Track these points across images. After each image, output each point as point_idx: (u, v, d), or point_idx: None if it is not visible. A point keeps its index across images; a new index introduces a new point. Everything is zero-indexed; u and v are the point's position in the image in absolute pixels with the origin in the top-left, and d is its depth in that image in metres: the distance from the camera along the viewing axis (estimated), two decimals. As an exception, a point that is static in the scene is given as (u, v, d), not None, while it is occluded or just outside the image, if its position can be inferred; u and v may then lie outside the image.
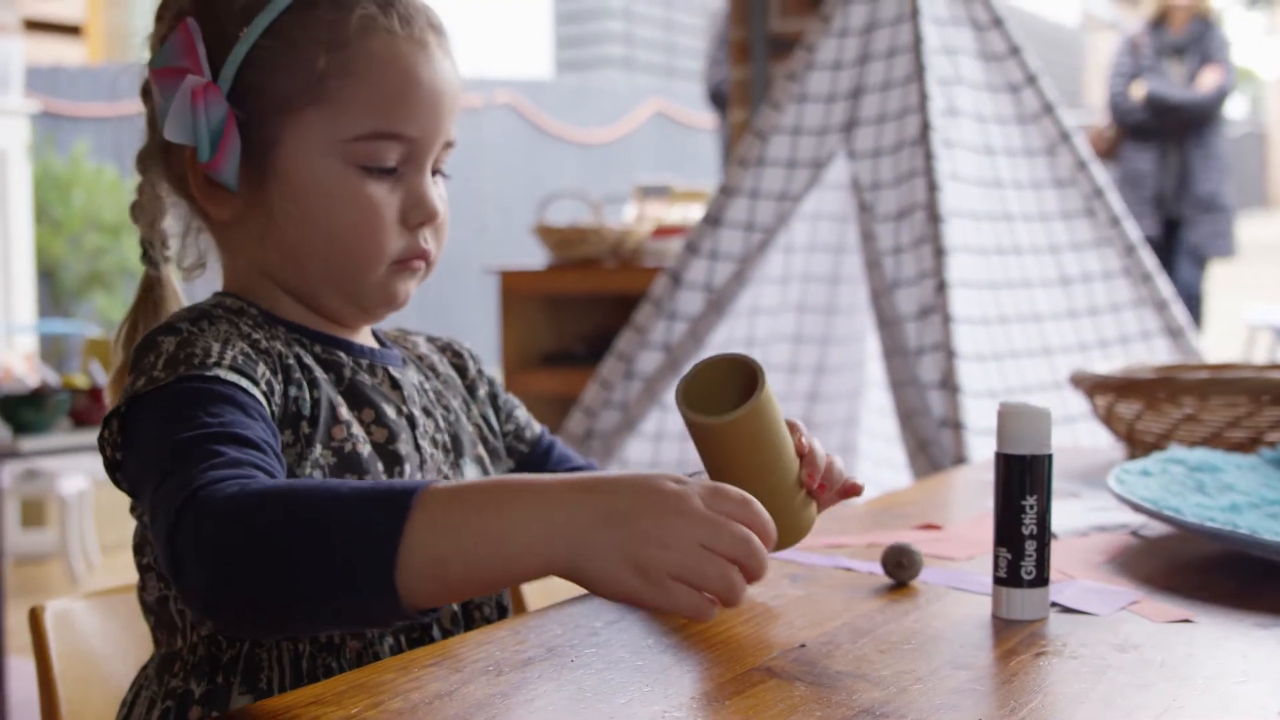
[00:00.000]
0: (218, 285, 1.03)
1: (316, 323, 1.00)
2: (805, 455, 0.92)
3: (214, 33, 0.95)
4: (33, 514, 4.56)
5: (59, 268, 7.06)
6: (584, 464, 1.15)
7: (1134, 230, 2.59)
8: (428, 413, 1.03)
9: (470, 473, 1.04)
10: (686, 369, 0.91)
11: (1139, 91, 5.45)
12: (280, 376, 0.92)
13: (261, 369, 0.90)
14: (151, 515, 0.79)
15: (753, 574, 0.73)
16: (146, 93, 1.00)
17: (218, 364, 0.87)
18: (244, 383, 0.87)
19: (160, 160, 0.99)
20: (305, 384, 0.93)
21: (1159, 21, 5.56)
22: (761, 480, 0.88)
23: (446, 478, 1.00)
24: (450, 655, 0.82)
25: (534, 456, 1.13)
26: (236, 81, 0.94)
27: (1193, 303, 5.58)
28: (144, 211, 1.01)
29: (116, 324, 1.04)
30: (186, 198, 1.00)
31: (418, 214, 0.97)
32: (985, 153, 2.50)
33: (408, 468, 0.97)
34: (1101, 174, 2.57)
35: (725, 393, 0.89)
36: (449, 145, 1.00)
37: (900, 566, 0.97)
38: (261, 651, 0.91)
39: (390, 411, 0.98)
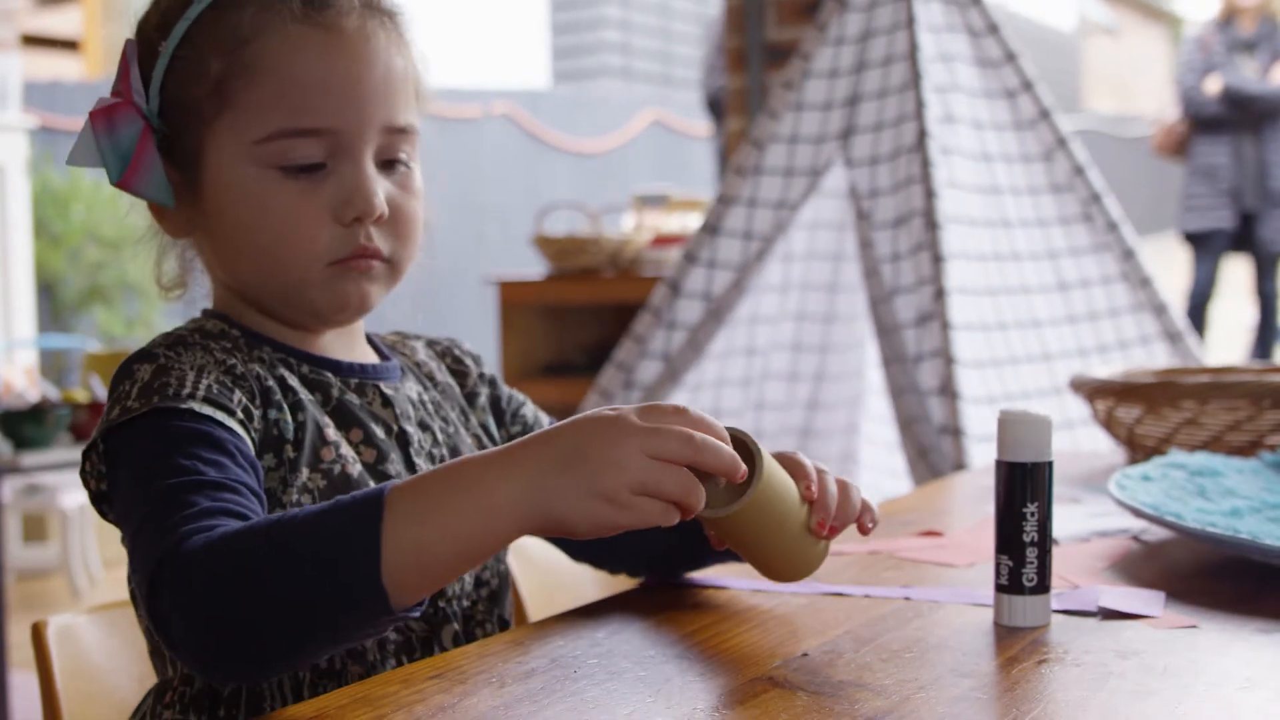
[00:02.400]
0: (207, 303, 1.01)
1: (300, 340, 0.97)
2: (815, 502, 0.88)
3: (145, 50, 0.93)
4: (34, 529, 4.55)
5: (58, 282, 7.04)
6: None
7: (1131, 235, 2.59)
8: (424, 426, 1.00)
9: None
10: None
11: (1215, 85, 5.47)
12: (259, 400, 0.90)
13: (238, 396, 0.88)
14: (131, 563, 0.80)
15: (706, 467, 0.76)
16: None
17: (191, 395, 0.85)
18: (219, 415, 0.85)
19: None
20: (287, 406, 0.91)
21: (1226, 20, 5.61)
22: (771, 544, 0.88)
23: None
24: (453, 667, 0.82)
25: None
26: (162, 96, 0.92)
27: (1269, 311, 5.60)
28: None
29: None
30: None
31: (351, 209, 0.92)
32: (982, 159, 2.50)
33: None
34: (1098, 179, 2.57)
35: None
36: (402, 131, 0.94)
37: None
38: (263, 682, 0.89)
39: (379, 431, 0.96)
